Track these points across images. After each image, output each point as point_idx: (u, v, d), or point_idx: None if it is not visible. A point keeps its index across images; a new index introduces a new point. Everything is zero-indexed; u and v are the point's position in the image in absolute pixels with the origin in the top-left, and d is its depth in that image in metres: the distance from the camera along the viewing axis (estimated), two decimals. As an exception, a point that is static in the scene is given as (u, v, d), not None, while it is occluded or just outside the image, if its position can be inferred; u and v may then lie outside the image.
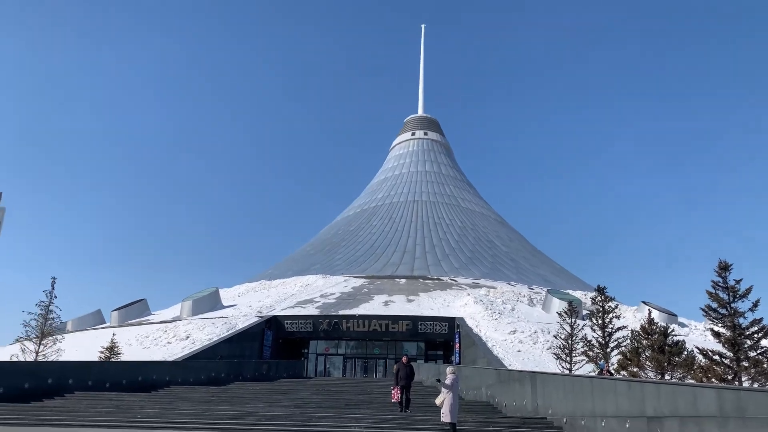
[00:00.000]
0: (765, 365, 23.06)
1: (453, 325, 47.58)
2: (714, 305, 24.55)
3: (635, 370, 26.90)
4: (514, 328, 44.77)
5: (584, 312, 46.69)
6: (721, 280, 24.36)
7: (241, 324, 47.32)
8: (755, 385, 23.23)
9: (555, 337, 33.97)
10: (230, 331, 44.94)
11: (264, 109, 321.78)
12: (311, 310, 53.74)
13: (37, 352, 32.72)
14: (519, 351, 39.75)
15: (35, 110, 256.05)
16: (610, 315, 31.80)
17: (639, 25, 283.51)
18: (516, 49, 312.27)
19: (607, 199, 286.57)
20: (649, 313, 42.36)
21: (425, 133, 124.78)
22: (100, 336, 43.65)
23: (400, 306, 54.33)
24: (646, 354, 27.35)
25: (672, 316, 52.30)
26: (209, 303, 57.09)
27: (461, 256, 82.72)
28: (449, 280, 68.15)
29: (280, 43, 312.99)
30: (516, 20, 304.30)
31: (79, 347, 39.61)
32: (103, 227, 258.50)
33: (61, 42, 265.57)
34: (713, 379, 23.35)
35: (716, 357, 24.05)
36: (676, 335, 29.10)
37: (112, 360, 33.69)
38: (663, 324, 31.32)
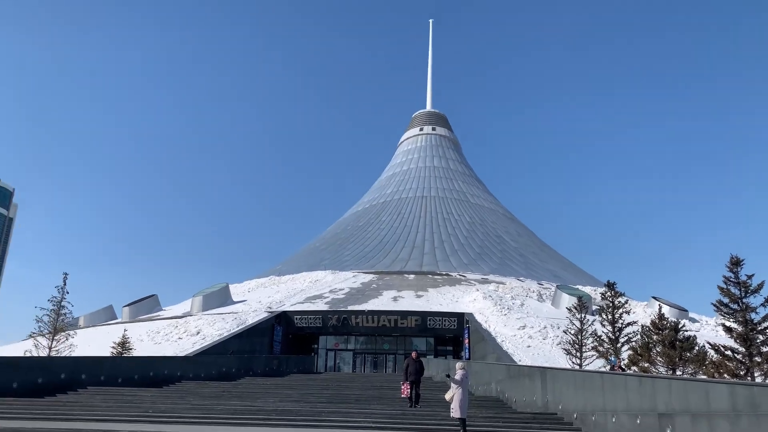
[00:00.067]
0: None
1: (462, 320, 47.54)
2: (726, 300, 24.43)
3: (646, 365, 26.79)
4: (524, 323, 44.69)
5: (594, 307, 46.51)
6: (732, 275, 24.22)
7: (251, 319, 47.57)
8: (768, 381, 23.05)
9: (565, 332, 33.85)
10: (240, 327, 45.20)
11: (272, 106, 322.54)
12: (321, 306, 53.90)
13: (49, 348, 33.00)
14: (528, 346, 39.68)
15: (49, 109, 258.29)
16: (620, 310, 31.60)
17: (654, 21, 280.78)
18: (524, 44, 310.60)
19: (617, 195, 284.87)
20: (660, 308, 42.18)
21: (433, 129, 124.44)
22: (111, 331, 44.05)
23: (409, 301, 54.35)
24: (657, 349, 27.22)
25: (683, 311, 51.89)
26: (219, 298, 57.39)
27: (470, 251, 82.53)
28: (458, 276, 68.01)
29: (288, 40, 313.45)
30: (525, 15, 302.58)
31: (91, 342, 40.02)
32: (114, 224, 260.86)
33: (77, 42, 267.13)
34: (725, 375, 23.20)
35: (728, 352, 23.92)
36: (687, 330, 28.94)
37: (124, 355, 33.97)
38: (674, 319, 31.18)
